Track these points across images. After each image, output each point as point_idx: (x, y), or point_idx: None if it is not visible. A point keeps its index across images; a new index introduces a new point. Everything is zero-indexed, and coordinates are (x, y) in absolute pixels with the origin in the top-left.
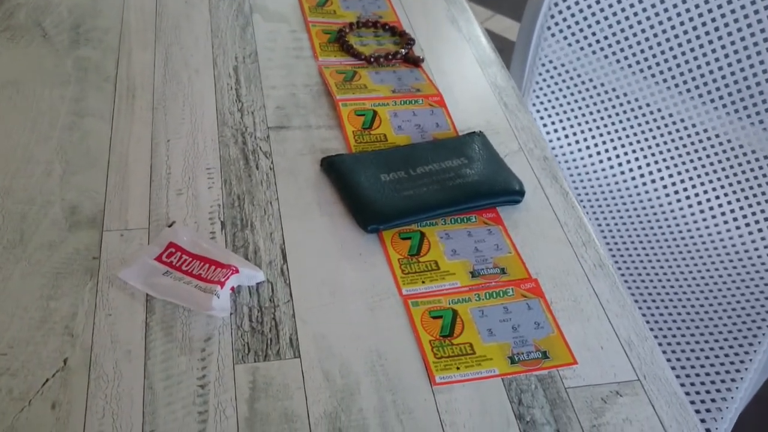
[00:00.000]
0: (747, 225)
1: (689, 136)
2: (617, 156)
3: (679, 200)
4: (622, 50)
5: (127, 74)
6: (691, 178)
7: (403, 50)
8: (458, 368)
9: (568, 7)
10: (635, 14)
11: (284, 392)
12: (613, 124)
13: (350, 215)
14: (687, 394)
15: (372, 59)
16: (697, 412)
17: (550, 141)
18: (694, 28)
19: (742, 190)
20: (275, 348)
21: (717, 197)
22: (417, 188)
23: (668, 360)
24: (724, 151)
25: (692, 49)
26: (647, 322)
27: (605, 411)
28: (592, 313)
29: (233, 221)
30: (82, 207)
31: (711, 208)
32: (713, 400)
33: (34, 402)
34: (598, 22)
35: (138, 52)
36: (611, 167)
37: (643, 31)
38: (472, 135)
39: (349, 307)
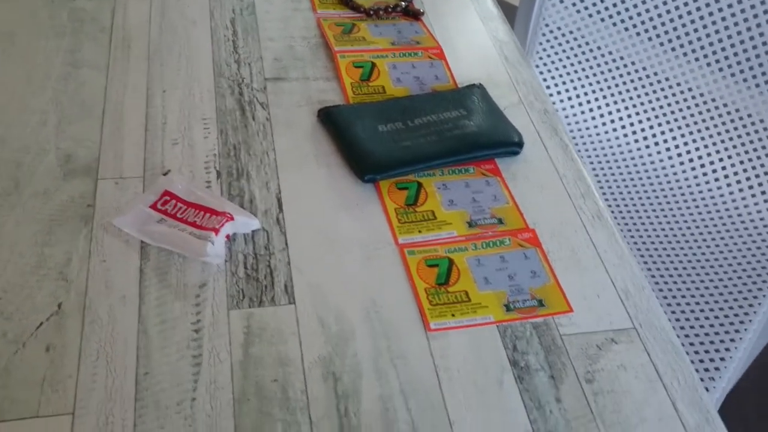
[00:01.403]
0: (747, 180)
1: (687, 99)
2: (620, 119)
3: (682, 162)
4: (626, 11)
5: (122, 25)
6: (694, 139)
7: (403, 3)
8: (453, 315)
9: None
10: None
11: (279, 337)
12: (617, 86)
13: (347, 165)
14: (686, 354)
15: (371, 12)
16: (696, 371)
17: (553, 104)
18: None
19: (734, 147)
20: (270, 294)
21: (710, 153)
22: (415, 139)
23: (672, 313)
24: (716, 108)
25: (689, 12)
26: (652, 276)
27: (600, 357)
28: (589, 263)
29: (229, 170)
30: (77, 156)
31: (704, 165)
32: (712, 360)
33: (28, 344)
34: None
35: (134, 3)
36: (614, 129)
37: None
38: (472, 87)
39: (344, 256)
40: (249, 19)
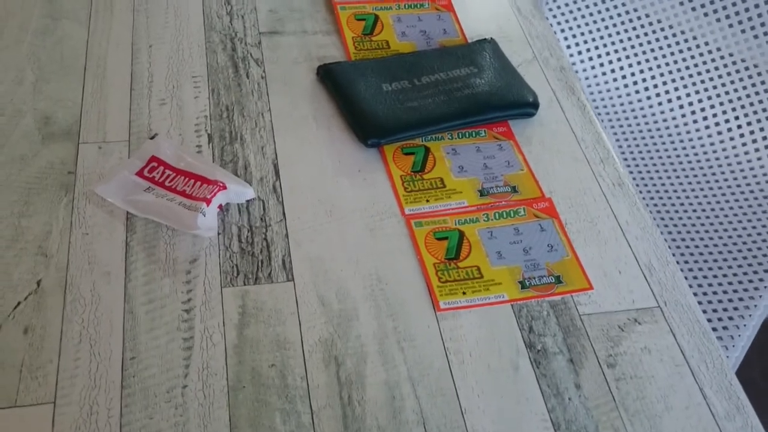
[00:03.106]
0: (767, 148)
1: (710, 52)
2: (633, 74)
3: (696, 121)
4: None
5: None
6: (710, 98)
7: None
8: (464, 293)
9: None
10: None
11: (276, 317)
12: (629, 39)
13: (349, 128)
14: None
15: None
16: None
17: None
18: None
19: (761, 110)
20: (266, 270)
21: (737, 117)
22: (422, 99)
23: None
24: (746, 68)
25: None
26: (673, 240)
27: (622, 340)
28: (609, 235)
29: (221, 134)
30: (57, 117)
31: (729, 130)
32: (725, 328)
33: (4, 326)
34: None
35: None
36: (626, 86)
37: None
38: (483, 42)
39: (346, 228)
40: None
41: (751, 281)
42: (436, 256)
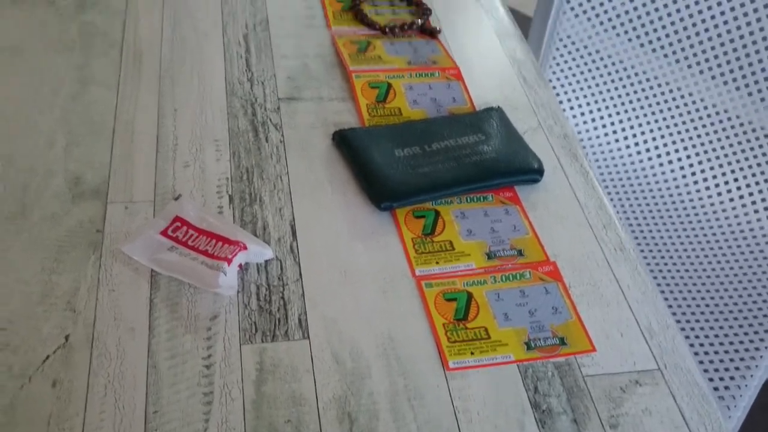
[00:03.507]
0: (766, 209)
1: (709, 116)
2: (634, 135)
3: (696, 182)
4: (643, 26)
5: (133, 40)
6: (709, 160)
7: (419, 20)
8: (472, 353)
9: None
10: None
11: (292, 375)
12: (631, 102)
13: (362, 192)
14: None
15: (387, 29)
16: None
17: (575, 125)
18: (719, 3)
19: (759, 173)
20: (283, 328)
21: (736, 179)
22: (432, 165)
23: (690, 345)
24: (744, 132)
25: (708, 29)
26: (674, 299)
27: (624, 401)
28: (612, 299)
29: (241, 195)
30: (86, 178)
31: (729, 191)
32: (727, 387)
33: (34, 379)
34: None
35: (145, 16)
36: (627, 147)
37: (665, 6)
38: (490, 110)
39: (360, 288)
40: (262, 35)
41: (752, 341)
42: (445, 316)
